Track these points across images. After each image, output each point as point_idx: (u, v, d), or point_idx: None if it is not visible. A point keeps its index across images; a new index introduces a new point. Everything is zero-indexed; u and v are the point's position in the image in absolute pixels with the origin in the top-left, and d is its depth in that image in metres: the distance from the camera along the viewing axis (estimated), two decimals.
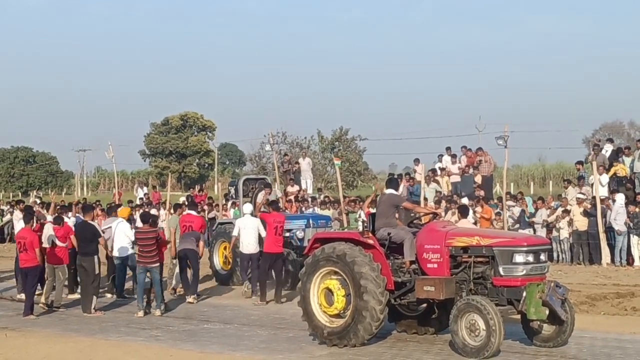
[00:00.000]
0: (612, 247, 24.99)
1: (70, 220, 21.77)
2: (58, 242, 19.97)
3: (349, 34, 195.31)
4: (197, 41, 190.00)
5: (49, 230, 20.28)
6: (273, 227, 20.46)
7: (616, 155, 28.92)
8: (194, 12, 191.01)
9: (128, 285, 22.49)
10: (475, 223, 24.30)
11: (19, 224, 24.09)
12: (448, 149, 33.65)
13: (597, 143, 30.99)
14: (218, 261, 24.28)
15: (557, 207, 26.46)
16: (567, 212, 25.76)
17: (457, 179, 31.44)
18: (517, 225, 26.29)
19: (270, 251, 20.50)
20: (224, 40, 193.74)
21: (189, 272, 21.25)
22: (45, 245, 20.04)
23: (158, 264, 19.34)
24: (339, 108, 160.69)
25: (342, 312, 14.42)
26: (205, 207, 33.36)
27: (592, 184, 26.57)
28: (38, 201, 41.23)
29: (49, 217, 21.89)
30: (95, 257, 19.31)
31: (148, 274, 19.17)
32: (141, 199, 40.72)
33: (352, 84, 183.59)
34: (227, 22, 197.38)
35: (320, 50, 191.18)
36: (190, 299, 20.70)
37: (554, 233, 25.94)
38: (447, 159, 32.94)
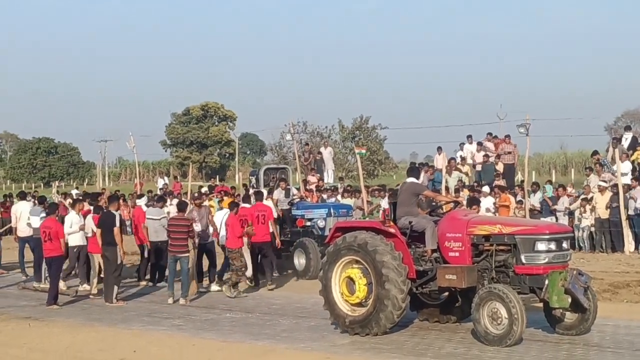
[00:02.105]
0: (635, 235, 24.83)
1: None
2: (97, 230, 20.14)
3: (367, 23, 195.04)
4: (217, 32, 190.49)
5: (89, 220, 20.49)
6: (255, 217, 21.13)
7: (636, 142, 28.72)
8: (214, 3, 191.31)
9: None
10: (494, 212, 24.25)
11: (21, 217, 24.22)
12: (469, 137, 33.46)
13: (616, 137, 30.70)
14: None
15: (580, 195, 26.33)
16: (585, 200, 25.60)
17: (479, 167, 31.31)
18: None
19: (255, 240, 21.15)
20: (244, 30, 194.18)
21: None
22: (88, 235, 20.24)
23: (187, 254, 19.45)
24: (359, 97, 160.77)
25: (363, 300, 14.43)
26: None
27: (613, 172, 26.40)
28: (75, 192, 41.66)
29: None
30: (118, 246, 19.35)
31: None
32: (161, 189, 40.83)
33: (373, 73, 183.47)
34: (246, 12, 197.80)
35: (340, 39, 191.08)
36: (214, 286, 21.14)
37: (576, 221, 25.80)
38: (468, 147, 32.75)
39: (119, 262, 19.28)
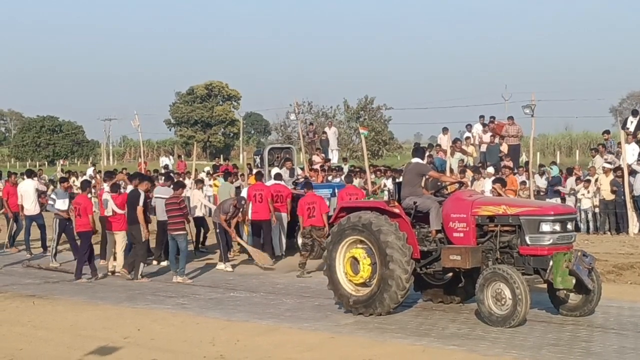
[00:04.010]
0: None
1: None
2: (117, 210, 20.18)
3: (374, 2, 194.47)
4: (222, 10, 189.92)
5: (108, 199, 20.59)
6: (252, 196, 21.92)
7: None
8: None
9: None
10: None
11: (34, 195, 24.38)
12: (481, 117, 33.35)
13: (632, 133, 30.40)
14: (244, 230, 24.24)
15: (586, 176, 26.33)
16: (588, 181, 25.57)
17: (484, 148, 31.23)
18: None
19: (254, 218, 22.04)
20: (249, 8, 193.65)
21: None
22: (107, 213, 20.29)
23: (183, 232, 19.51)
24: (364, 77, 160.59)
25: (367, 280, 14.43)
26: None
27: (617, 153, 26.35)
28: (90, 170, 41.82)
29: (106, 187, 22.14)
30: (141, 225, 19.37)
31: None
32: (165, 167, 40.86)
33: (378, 53, 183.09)
34: None
35: (346, 18, 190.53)
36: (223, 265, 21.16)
37: (577, 202, 25.78)
38: (479, 127, 32.62)
39: (143, 240, 19.37)
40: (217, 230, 21.41)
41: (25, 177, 26.45)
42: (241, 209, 21.43)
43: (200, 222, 23.89)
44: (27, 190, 24.50)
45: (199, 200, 23.47)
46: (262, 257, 21.08)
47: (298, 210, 20.81)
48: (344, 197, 20.99)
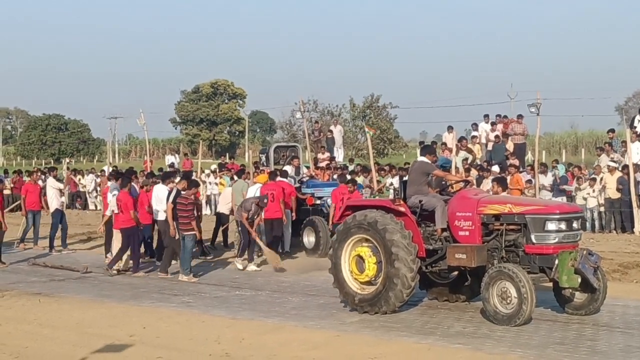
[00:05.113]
0: None
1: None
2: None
3: (379, 2, 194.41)
4: (227, 8, 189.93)
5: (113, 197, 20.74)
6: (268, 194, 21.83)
7: None
8: None
9: None
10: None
11: (50, 191, 24.64)
12: (486, 116, 33.29)
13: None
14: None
15: (592, 175, 26.29)
16: (594, 180, 25.55)
17: (490, 147, 31.16)
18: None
19: (267, 217, 21.96)
20: (254, 7, 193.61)
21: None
22: (115, 211, 20.38)
23: (193, 232, 19.44)
24: (370, 75, 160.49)
25: (373, 279, 14.43)
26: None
27: (623, 152, 26.30)
28: (106, 168, 41.81)
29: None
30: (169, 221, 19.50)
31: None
32: (171, 165, 40.81)
33: (383, 51, 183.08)
34: None
35: (350, 17, 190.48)
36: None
37: (582, 201, 25.72)
38: (484, 126, 32.57)
39: (173, 236, 19.49)
40: (239, 229, 21.37)
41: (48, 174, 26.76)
42: (264, 208, 21.36)
43: (225, 220, 24.24)
44: (47, 187, 24.96)
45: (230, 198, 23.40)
46: (275, 258, 20.96)
47: (333, 199, 21.25)
48: (337, 196, 21.22)
